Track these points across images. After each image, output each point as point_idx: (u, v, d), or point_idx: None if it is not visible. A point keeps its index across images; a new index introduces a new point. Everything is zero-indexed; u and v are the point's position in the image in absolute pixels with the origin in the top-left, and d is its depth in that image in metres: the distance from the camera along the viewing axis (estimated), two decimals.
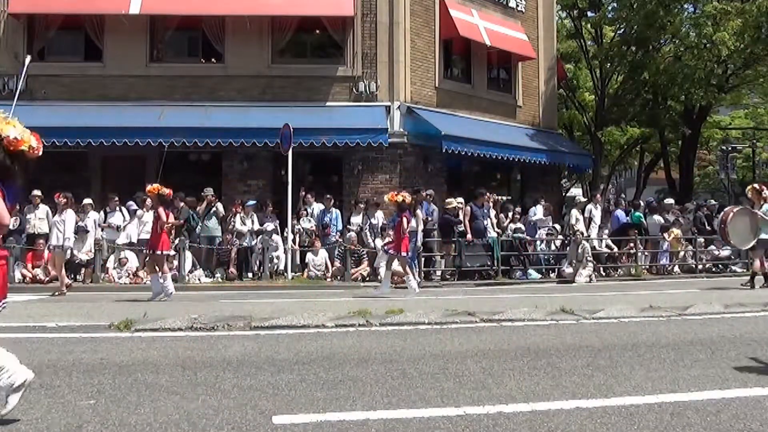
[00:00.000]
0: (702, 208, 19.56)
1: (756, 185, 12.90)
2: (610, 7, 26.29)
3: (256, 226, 15.44)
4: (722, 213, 13.18)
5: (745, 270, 17.73)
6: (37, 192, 15.06)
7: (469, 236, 15.19)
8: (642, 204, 19.85)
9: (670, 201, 19.53)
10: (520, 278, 15.54)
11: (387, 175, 17.25)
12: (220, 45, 17.62)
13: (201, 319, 7.20)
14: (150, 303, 10.15)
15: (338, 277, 14.84)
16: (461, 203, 15.61)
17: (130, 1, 16.55)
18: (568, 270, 15.28)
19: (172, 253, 12.23)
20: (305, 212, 15.85)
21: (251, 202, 15.73)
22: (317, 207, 16.00)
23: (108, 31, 17.35)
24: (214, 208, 15.49)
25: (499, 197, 17.16)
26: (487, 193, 16.23)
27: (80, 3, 16.94)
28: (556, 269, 16.14)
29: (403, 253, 11.80)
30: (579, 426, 3.53)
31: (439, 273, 15.53)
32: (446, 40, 18.93)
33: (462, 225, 15.36)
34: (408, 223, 12.07)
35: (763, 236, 11.91)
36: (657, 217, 17.78)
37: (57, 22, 17.25)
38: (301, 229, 15.79)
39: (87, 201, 15.06)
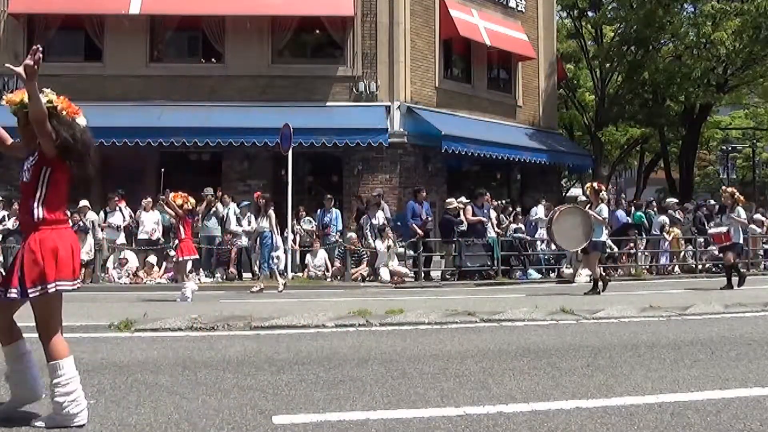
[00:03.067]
0: (702, 208, 19.55)
1: (594, 184, 12.26)
2: (610, 7, 26.30)
3: (252, 227, 15.41)
4: (551, 212, 12.61)
5: (745, 270, 17.76)
6: None
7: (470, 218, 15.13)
8: (644, 204, 19.85)
9: (673, 200, 19.51)
10: (520, 278, 15.54)
11: (387, 175, 17.26)
12: (220, 45, 17.62)
13: (201, 319, 7.20)
14: (150, 303, 10.14)
15: (338, 277, 14.84)
16: (463, 203, 15.60)
17: (130, 1, 16.57)
18: (568, 270, 15.28)
19: (195, 257, 11.96)
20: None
21: (245, 203, 15.71)
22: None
23: (108, 31, 17.37)
24: (213, 209, 15.47)
25: (499, 202, 17.13)
26: (488, 194, 16.23)
27: (80, 3, 16.96)
28: (556, 269, 16.14)
29: (181, 258, 11.24)
30: (579, 426, 3.53)
31: (439, 273, 15.53)
32: (446, 40, 18.94)
33: (463, 225, 15.37)
34: (188, 227, 11.43)
35: (599, 238, 11.26)
36: (663, 217, 17.75)
37: (57, 22, 17.27)
38: (301, 230, 15.81)
39: (84, 203, 15.06)
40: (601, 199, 11.66)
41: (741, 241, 12.79)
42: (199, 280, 14.68)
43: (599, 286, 11.34)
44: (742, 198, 13.01)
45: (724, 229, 12.65)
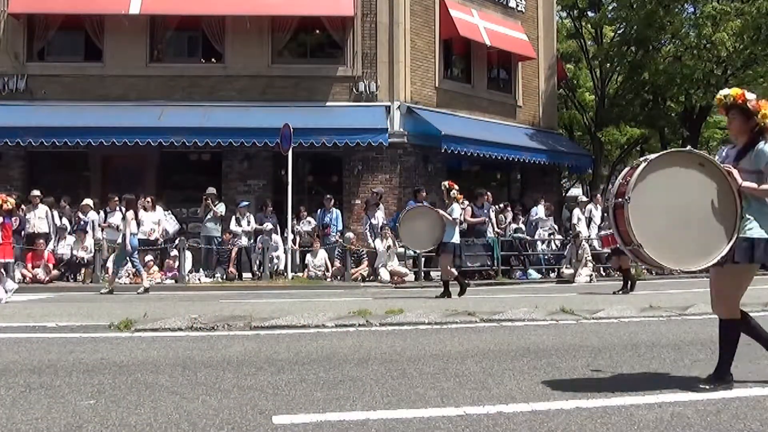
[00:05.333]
0: None
1: (446, 183, 11.70)
2: (610, 7, 26.29)
3: (252, 227, 15.43)
4: (402, 212, 12.15)
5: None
6: (36, 192, 15.08)
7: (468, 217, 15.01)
8: None
9: None
10: (520, 278, 15.55)
11: (387, 175, 17.26)
12: (220, 45, 17.63)
13: (201, 319, 7.20)
14: (150, 303, 10.15)
15: (338, 277, 14.85)
16: (463, 203, 15.58)
17: (130, 1, 16.58)
18: (568, 270, 15.29)
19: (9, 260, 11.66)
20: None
21: (244, 203, 15.72)
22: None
23: (108, 31, 17.37)
24: (212, 209, 15.47)
25: (497, 206, 17.11)
26: (488, 194, 16.23)
27: (80, 3, 16.96)
28: (556, 269, 16.14)
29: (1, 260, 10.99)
30: (579, 426, 3.53)
31: (438, 273, 15.51)
32: (446, 40, 18.95)
33: (463, 224, 15.35)
34: (10, 229, 11.24)
35: (450, 239, 10.95)
36: None
37: (57, 22, 17.28)
38: (303, 231, 15.82)
39: (87, 201, 15.08)
40: (454, 199, 11.21)
41: None
42: (199, 280, 14.71)
43: (461, 287, 11.03)
44: None
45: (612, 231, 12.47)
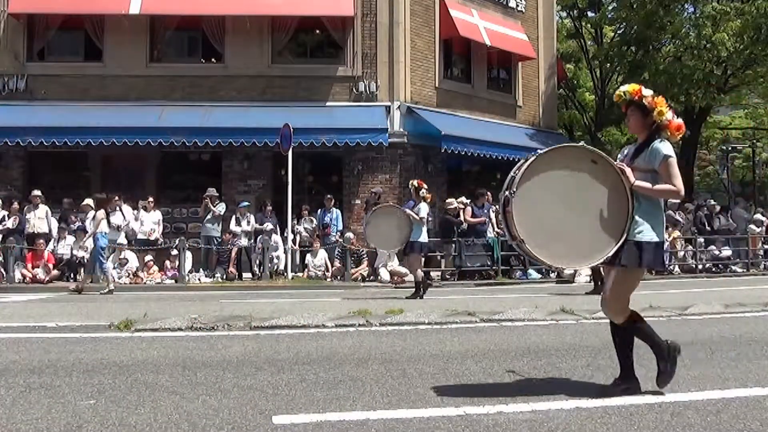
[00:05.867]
0: (702, 208, 19.56)
1: (415, 182, 11.58)
2: (610, 7, 26.33)
3: (252, 227, 15.43)
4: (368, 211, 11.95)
5: (745, 270, 17.77)
6: (36, 192, 15.07)
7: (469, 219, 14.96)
8: None
9: (675, 200, 19.50)
10: (520, 278, 15.54)
11: (387, 175, 17.26)
12: (220, 45, 17.63)
13: (201, 319, 7.20)
14: (150, 303, 10.15)
15: (338, 277, 14.85)
16: (464, 203, 15.58)
17: (130, 1, 16.57)
18: (568, 270, 15.27)
19: None
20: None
21: (244, 203, 15.72)
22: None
23: (108, 31, 17.37)
24: (212, 209, 15.47)
25: (497, 206, 17.11)
26: (488, 193, 16.22)
27: (80, 3, 16.95)
28: (556, 269, 16.13)
29: None
30: (579, 426, 3.53)
31: (439, 273, 15.53)
32: (446, 40, 18.94)
33: (464, 224, 15.37)
34: None
35: (417, 238, 10.83)
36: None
37: (57, 22, 17.28)
38: (303, 230, 15.82)
39: (87, 201, 15.07)
40: (422, 198, 11.09)
41: None
42: (199, 280, 14.72)
43: (421, 289, 10.90)
44: None
45: None
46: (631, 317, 4.21)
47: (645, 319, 4.40)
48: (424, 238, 11.03)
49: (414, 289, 11.13)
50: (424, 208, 11.03)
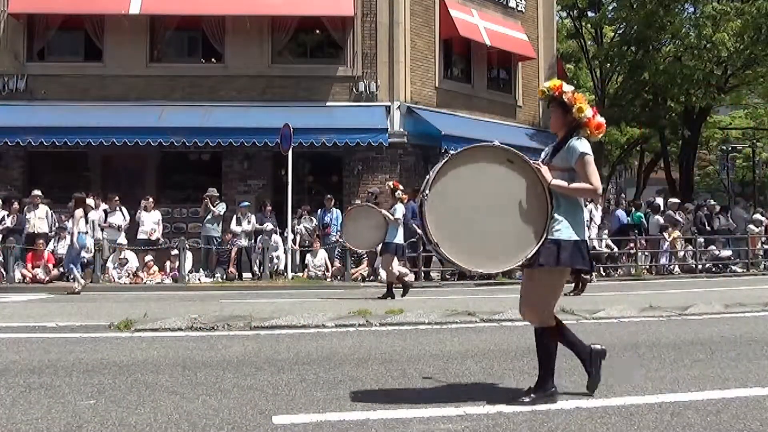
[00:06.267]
0: (702, 208, 19.56)
1: (391, 183, 11.54)
2: (610, 7, 26.33)
3: (252, 227, 15.42)
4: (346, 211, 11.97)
5: (745, 270, 17.77)
6: (37, 192, 15.07)
7: None
8: (643, 204, 19.84)
9: (675, 200, 19.49)
10: (520, 278, 15.47)
11: (387, 175, 17.21)
12: (220, 45, 17.63)
13: (201, 319, 7.20)
14: (150, 303, 10.15)
15: (338, 277, 14.84)
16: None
17: (130, 1, 16.57)
18: None
19: None
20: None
21: (245, 203, 15.72)
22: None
23: (108, 31, 17.37)
24: (212, 209, 15.46)
25: None
26: None
27: (80, 3, 16.95)
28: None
29: None
30: (579, 426, 3.53)
31: (439, 273, 15.53)
32: (446, 40, 18.94)
33: None
34: None
35: (392, 239, 10.77)
36: (658, 218, 17.76)
37: (57, 22, 17.28)
38: (303, 229, 15.81)
39: (88, 201, 15.07)
40: (398, 199, 10.98)
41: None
42: (199, 280, 14.72)
43: (405, 290, 10.84)
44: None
45: None
46: (556, 324, 4.09)
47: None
48: (399, 239, 10.98)
49: (386, 290, 11.04)
50: (399, 209, 10.95)
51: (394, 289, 11.01)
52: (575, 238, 3.86)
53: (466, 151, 3.97)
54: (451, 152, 4.03)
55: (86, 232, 12.90)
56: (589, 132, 4.00)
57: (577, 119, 3.97)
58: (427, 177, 3.95)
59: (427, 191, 3.86)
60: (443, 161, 3.92)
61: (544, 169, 3.87)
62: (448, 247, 3.88)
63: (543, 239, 3.82)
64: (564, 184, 3.86)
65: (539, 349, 4.07)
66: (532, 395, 3.94)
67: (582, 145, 3.93)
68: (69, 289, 12.46)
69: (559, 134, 4.07)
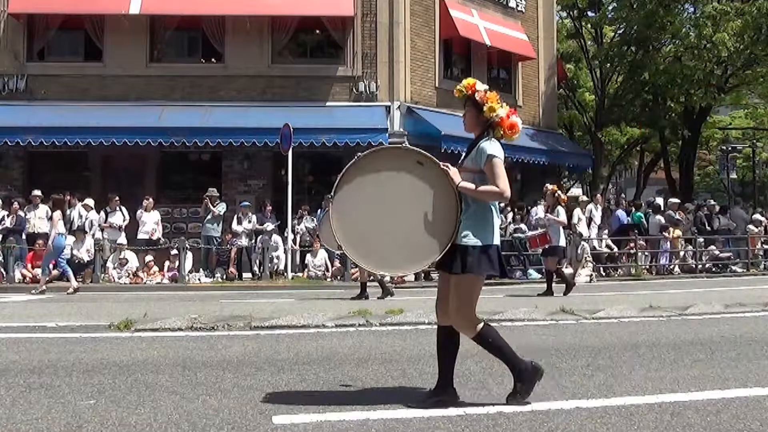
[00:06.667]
0: (702, 208, 19.56)
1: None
2: (610, 7, 26.32)
3: (252, 227, 15.43)
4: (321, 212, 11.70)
5: (745, 270, 17.77)
6: (37, 192, 15.08)
7: None
8: (644, 204, 19.84)
9: (675, 200, 19.49)
10: (520, 278, 15.54)
11: None
12: (220, 45, 17.63)
13: (201, 319, 7.20)
14: (150, 303, 10.15)
15: (338, 277, 14.84)
16: None
17: (130, 1, 16.58)
18: (568, 270, 15.27)
19: None
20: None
21: (246, 203, 15.73)
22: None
23: (108, 31, 17.37)
24: (212, 209, 15.45)
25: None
26: None
27: (80, 3, 16.96)
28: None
29: None
30: (579, 426, 3.53)
31: (437, 273, 15.51)
32: (446, 40, 18.94)
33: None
34: None
35: None
36: (659, 218, 17.76)
37: (57, 22, 17.28)
38: (303, 229, 15.81)
39: (87, 201, 15.08)
40: None
41: (562, 244, 11.77)
42: (199, 280, 14.72)
43: (366, 291, 10.79)
44: (564, 197, 12.17)
45: (541, 231, 11.88)
46: (481, 324, 3.92)
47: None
48: None
49: (360, 290, 10.98)
50: None
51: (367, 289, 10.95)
52: (483, 243, 3.75)
53: (374, 153, 3.90)
54: (359, 154, 3.94)
55: (64, 234, 12.82)
56: (502, 132, 3.91)
57: (489, 119, 3.88)
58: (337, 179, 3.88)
59: (333, 193, 3.81)
60: (350, 163, 3.86)
61: (453, 171, 3.78)
62: (354, 250, 3.82)
63: (449, 244, 3.72)
64: (471, 186, 3.75)
65: (492, 351, 3.91)
66: (518, 389, 3.85)
67: (491, 146, 3.82)
68: (68, 290, 12.43)
69: (474, 134, 3.98)
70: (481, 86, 3.92)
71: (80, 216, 14.87)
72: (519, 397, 3.85)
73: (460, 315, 3.85)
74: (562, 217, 11.77)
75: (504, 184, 3.75)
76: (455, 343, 3.97)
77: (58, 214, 12.64)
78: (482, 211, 3.80)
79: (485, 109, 3.88)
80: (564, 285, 11.49)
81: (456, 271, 3.74)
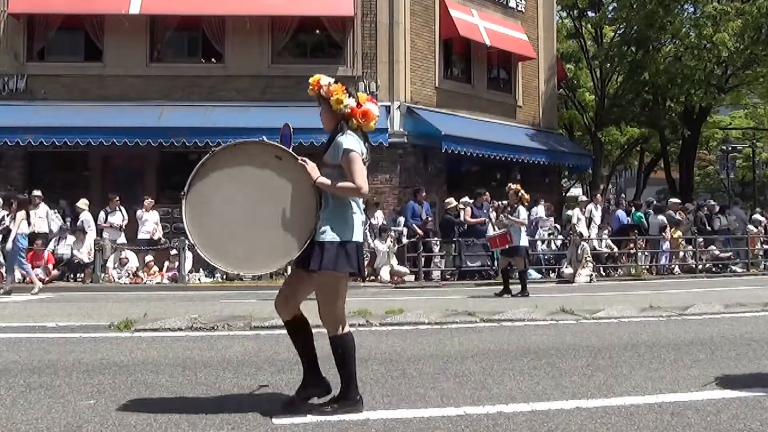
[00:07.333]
0: (702, 208, 19.56)
1: None
2: (610, 7, 26.31)
3: None
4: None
5: (745, 270, 17.77)
6: (37, 192, 15.07)
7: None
8: (643, 204, 19.84)
9: (676, 200, 19.48)
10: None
11: (387, 175, 17.25)
12: (220, 45, 17.62)
13: (201, 319, 7.20)
14: (150, 303, 10.15)
15: None
16: (465, 203, 15.56)
17: (130, 1, 16.57)
18: (568, 270, 15.28)
19: None
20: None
21: None
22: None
23: (108, 31, 17.37)
24: None
25: (500, 202, 17.07)
26: (487, 193, 16.22)
27: (80, 3, 16.95)
28: (556, 269, 16.13)
29: None
30: (579, 426, 3.53)
31: (439, 273, 15.52)
32: (446, 40, 18.94)
33: (465, 225, 15.36)
34: None
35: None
36: (660, 218, 17.75)
37: (57, 22, 17.28)
38: None
39: (83, 201, 15.07)
40: None
41: (524, 244, 11.66)
42: (199, 280, 14.72)
43: None
44: (527, 197, 12.02)
45: (502, 231, 11.73)
46: (344, 333, 3.86)
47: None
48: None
49: None
50: None
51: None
52: (340, 239, 3.66)
53: (231, 147, 3.78)
54: (213, 148, 3.81)
55: (25, 234, 12.73)
56: (357, 123, 3.79)
57: (338, 111, 3.78)
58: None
59: (186, 189, 3.69)
60: (205, 157, 3.73)
61: (311, 166, 3.70)
62: (209, 249, 3.70)
63: (307, 241, 3.64)
64: (328, 182, 3.66)
65: (337, 360, 3.80)
66: (335, 405, 3.75)
67: (347, 140, 3.72)
68: (33, 290, 12.28)
69: (331, 129, 3.90)
70: (325, 80, 3.78)
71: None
72: (325, 408, 3.74)
73: (324, 313, 3.83)
74: (523, 217, 11.68)
75: (360, 180, 3.66)
76: (307, 331, 3.99)
77: (21, 214, 12.55)
78: (341, 207, 3.72)
79: (332, 102, 3.76)
80: (504, 285, 11.42)
81: (313, 267, 3.65)
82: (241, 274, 3.37)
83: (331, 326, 3.85)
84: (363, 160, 3.75)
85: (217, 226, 3.71)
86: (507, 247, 11.49)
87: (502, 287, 11.52)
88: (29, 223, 12.96)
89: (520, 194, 11.67)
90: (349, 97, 3.78)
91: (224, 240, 3.71)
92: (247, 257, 3.74)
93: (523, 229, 11.68)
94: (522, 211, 11.62)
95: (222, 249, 3.73)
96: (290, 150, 3.76)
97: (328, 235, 3.66)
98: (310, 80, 3.82)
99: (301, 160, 3.72)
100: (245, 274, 3.58)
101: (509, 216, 11.70)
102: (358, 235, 3.77)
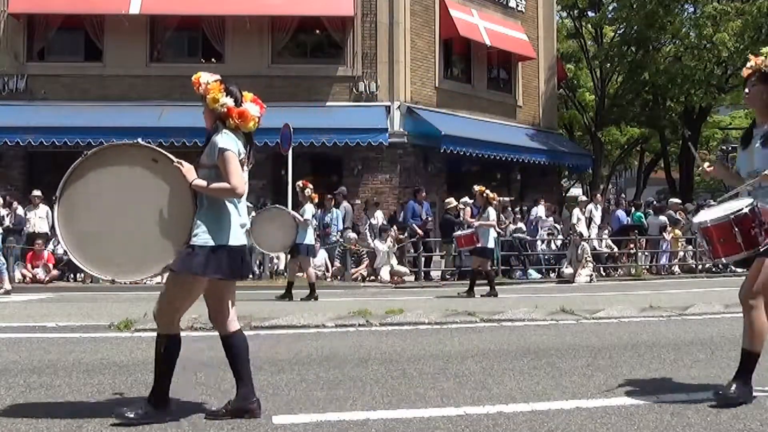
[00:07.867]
0: (702, 208, 19.52)
1: (300, 182, 11.09)
2: (610, 7, 26.32)
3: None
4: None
5: (745, 270, 17.75)
6: (37, 192, 15.08)
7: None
8: (643, 204, 19.84)
9: (676, 200, 19.47)
10: (520, 278, 15.54)
11: (387, 175, 17.26)
12: (220, 45, 17.63)
13: (201, 319, 7.18)
14: (151, 303, 10.14)
15: (338, 277, 14.84)
16: (466, 203, 15.54)
17: (130, 1, 16.58)
18: (568, 270, 15.28)
19: None
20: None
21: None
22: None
23: (108, 31, 17.38)
24: None
25: (502, 198, 17.09)
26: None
27: (80, 3, 16.97)
28: (556, 269, 16.14)
29: None
30: (579, 426, 3.53)
31: (439, 273, 15.52)
32: (446, 40, 18.95)
33: (465, 225, 15.33)
34: None
35: (303, 241, 10.41)
36: (662, 218, 17.75)
37: (57, 22, 17.30)
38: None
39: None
40: (308, 198, 10.70)
41: (491, 246, 11.61)
42: None
43: (315, 291, 10.70)
44: (494, 197, 11.86)
45: (469, 231, 11.65)
46: (175, 336, 3.69)
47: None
48: (309, 239, 10.74)
49: (309, 291, 10.80)
50: (309, 209, 10.69)
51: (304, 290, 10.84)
52: (212, 243, 3.53)
53: (105, 150, 3.67)
54: (85, 152, 3.68)
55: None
56: (235, 123, 3.72)
57: (214, 110, 3.72)
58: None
59: (58, 193, 3.57)
60: (78, 160, 3.62)
61: (186, 168, 3.60)
62: (82, 255, 3.58)
63: (184, 245, 3.53)
64: (204, 183, 3.57)
65: (157, 360, 3.65)
66: (126, 412, 3.57)
67: (222, 140, 3.64)
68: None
69: (210, 128, 3.80)
70: (205, 78, 3.71)
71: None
72: (122, 412, 3.57)
73: (162, 307, 3.64)
74: (492, 218, 11.59)
75: (236, 180, 3.58)
76: (243, 347, 3.97)
77: None
78: (216, 209, 3.61)
79: (208, 100, 3.70)
80: (488, 287, 11.32)
81: (176, 268, 3.53)
82: (117, 280, 3.27)
83: (161, 321, 3.66)
84: (241, 160, 3.68)
85: (92, 230, 3.59)
86: (472, 247, 11.42)
87: (467, 288, 11.40)
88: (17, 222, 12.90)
89: (485, 195, 11.53)
90: (228, 96, 3.71)
91: (99, 246, 3.60)
92: (123, 263, 3.62)
93: (491, 230, 11.59)
94: (491, 212, 11.53)
95: (95, 255, 3.61)
96: (167, 153, 3.67)
97: (200, 238, 3.53)
98: (192, 78, 3.74)
99: (177, 162, 3.62)
100: (121, 281, 3.49)
101: (479, 220, 11.59)
102: (235, 239, 3.65)
